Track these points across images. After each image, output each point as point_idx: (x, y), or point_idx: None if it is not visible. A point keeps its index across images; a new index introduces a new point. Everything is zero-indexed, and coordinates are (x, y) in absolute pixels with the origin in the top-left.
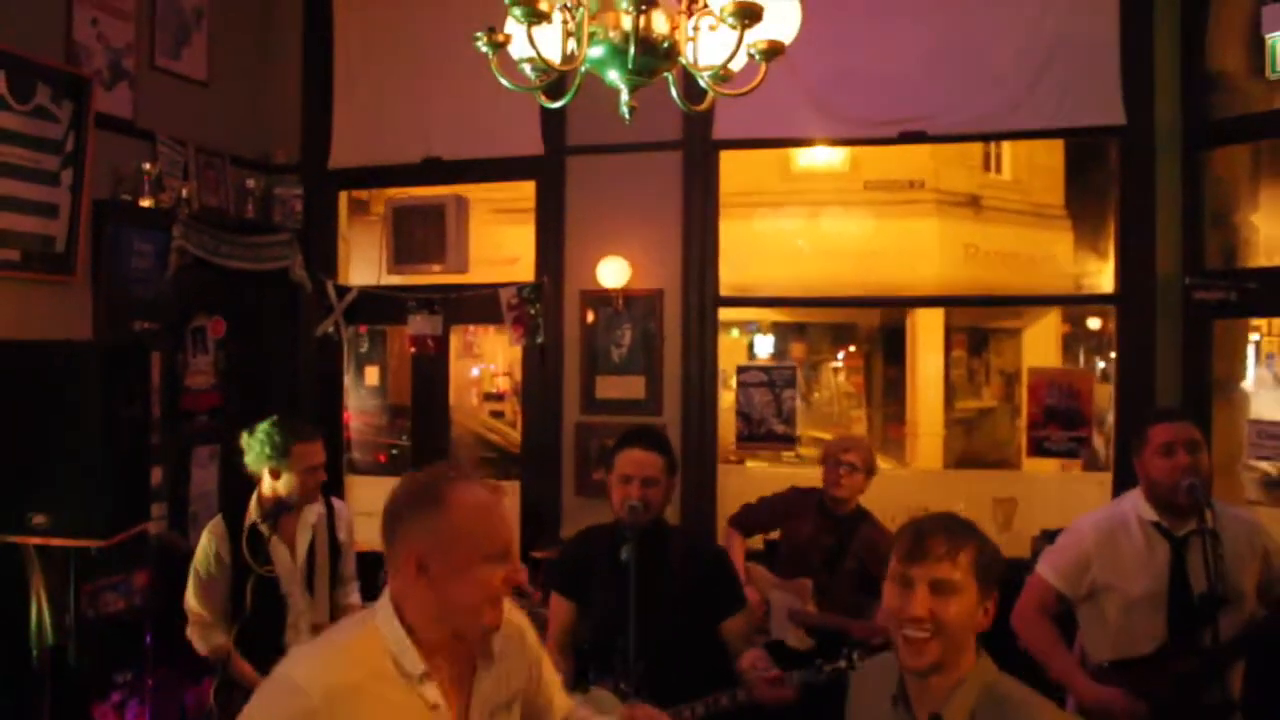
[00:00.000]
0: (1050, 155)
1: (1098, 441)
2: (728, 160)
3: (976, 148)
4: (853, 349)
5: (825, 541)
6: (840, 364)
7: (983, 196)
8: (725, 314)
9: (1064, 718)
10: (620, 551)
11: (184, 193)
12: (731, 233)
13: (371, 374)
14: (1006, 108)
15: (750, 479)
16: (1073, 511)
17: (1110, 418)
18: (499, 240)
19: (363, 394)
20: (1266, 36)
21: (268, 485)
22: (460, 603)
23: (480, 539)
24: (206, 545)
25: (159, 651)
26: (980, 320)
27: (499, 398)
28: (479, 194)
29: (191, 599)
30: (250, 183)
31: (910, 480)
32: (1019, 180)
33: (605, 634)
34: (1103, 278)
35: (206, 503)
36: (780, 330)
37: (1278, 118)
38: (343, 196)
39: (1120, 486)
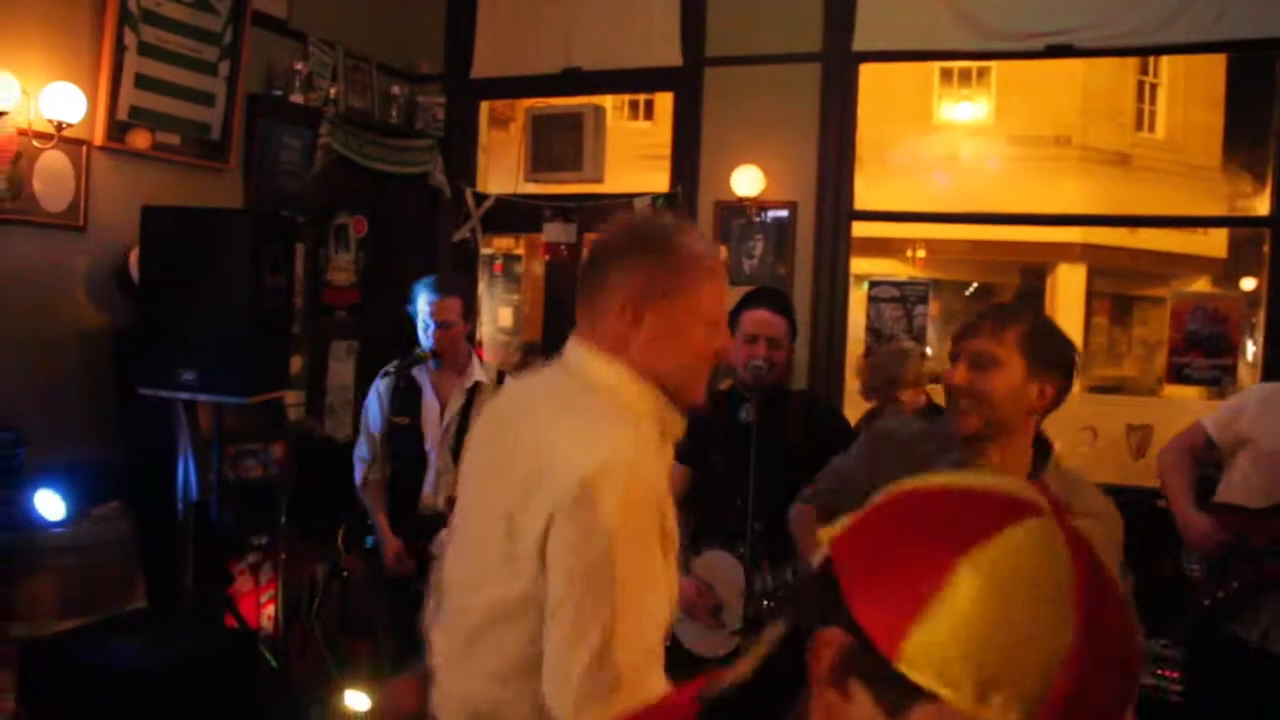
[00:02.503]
0: (1209, 113)
1: (1243, 371)
2: (866, 108)
3: (1130, 103)
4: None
5: None
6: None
7: (1133, 156)
8: (854, 266)
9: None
10: (740, 412)
11: (332, 93)
12: (866, 182)
13: (505, 315)
14: (1162, 19)
15: None
16: None
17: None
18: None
19: (495, 332)
20: None
21: None
22: (671, 363)
23: (703, 299)
24: (375, 383)
25: (290, 528)
26: (1125, 286)
27: None
28: (619, 139)
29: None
30: (395, 89)
31: None
32: (1173, 139)
33: (722, 496)
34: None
35: (343, 395)
36: (908, 292)
37: None
38: (483, 106)
39: None
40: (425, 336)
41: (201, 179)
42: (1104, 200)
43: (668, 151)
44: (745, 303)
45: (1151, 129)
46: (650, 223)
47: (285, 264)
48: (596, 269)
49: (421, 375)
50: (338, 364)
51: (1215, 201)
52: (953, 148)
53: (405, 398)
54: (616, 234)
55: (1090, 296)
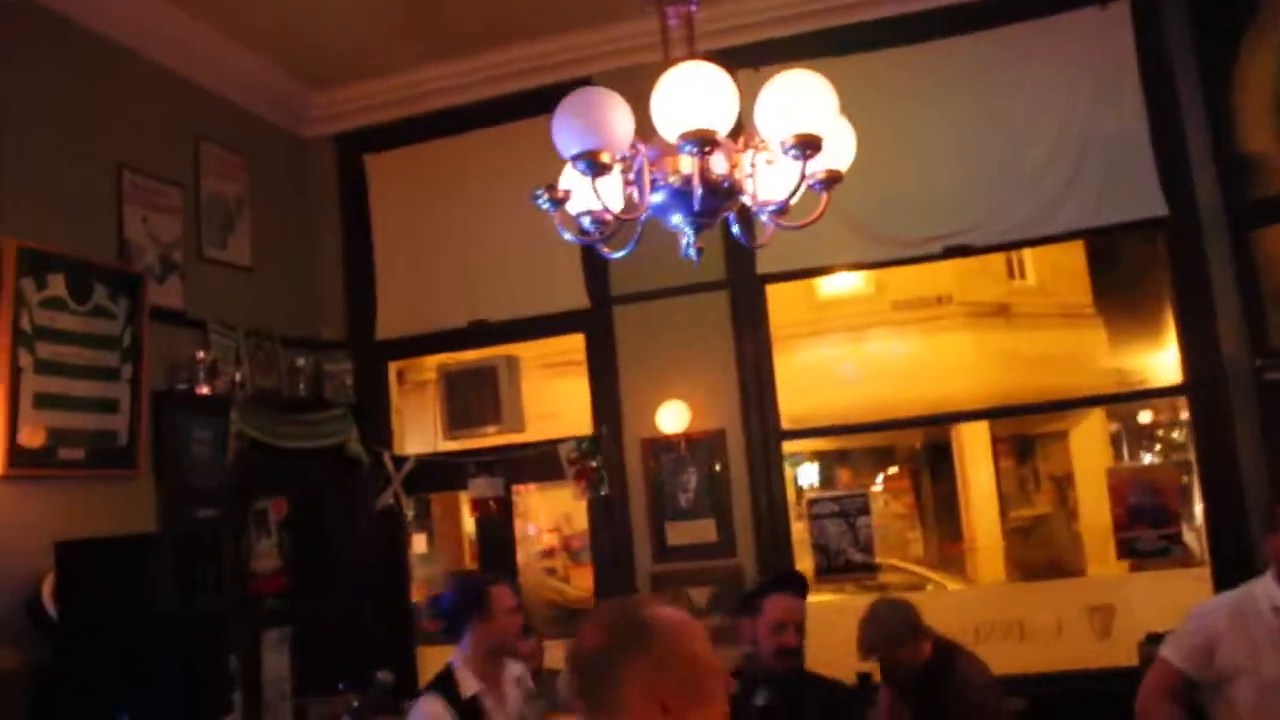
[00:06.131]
0: (1073, 256)
1: (1189, 536)
2: None
3: (1000, 257)
4: (896, 470)
5: (903, 709)
6: (880, 486)
7: (1011, 304)
8: None
9: None
10: (756, 697)
11: (238, 377)
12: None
13: (419, 541)
14: (1046, 212)
15: (835, 614)
16: (1174, 611)
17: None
18: (551, 394)
19: (416, 562)
20: None
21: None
22: None
23: (714, 669)
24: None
25: None
26: (1025, 427)
27: (549, 554)
28: (524, 350)
29: None
30: (300, 361)
31: (991, 596)
32: (1044, 284)
33: None
34: (1158, 374)
35: (279, 688)
36: (824, 458)
37: None
38: (392, 367)
39: (1220, 579)
40: (500, 633)
41: (111, 489)
42: (992, 350)
43: (578, 358)
44: (768, 588)
45: (1023, 276)
46: (632, 613)
47: (213, 581)
48: (593, 677)
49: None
50: (271, 655)
51: (1094, 338)
52: (841, 320)
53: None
54: (601, 635)
55: (994, 441)
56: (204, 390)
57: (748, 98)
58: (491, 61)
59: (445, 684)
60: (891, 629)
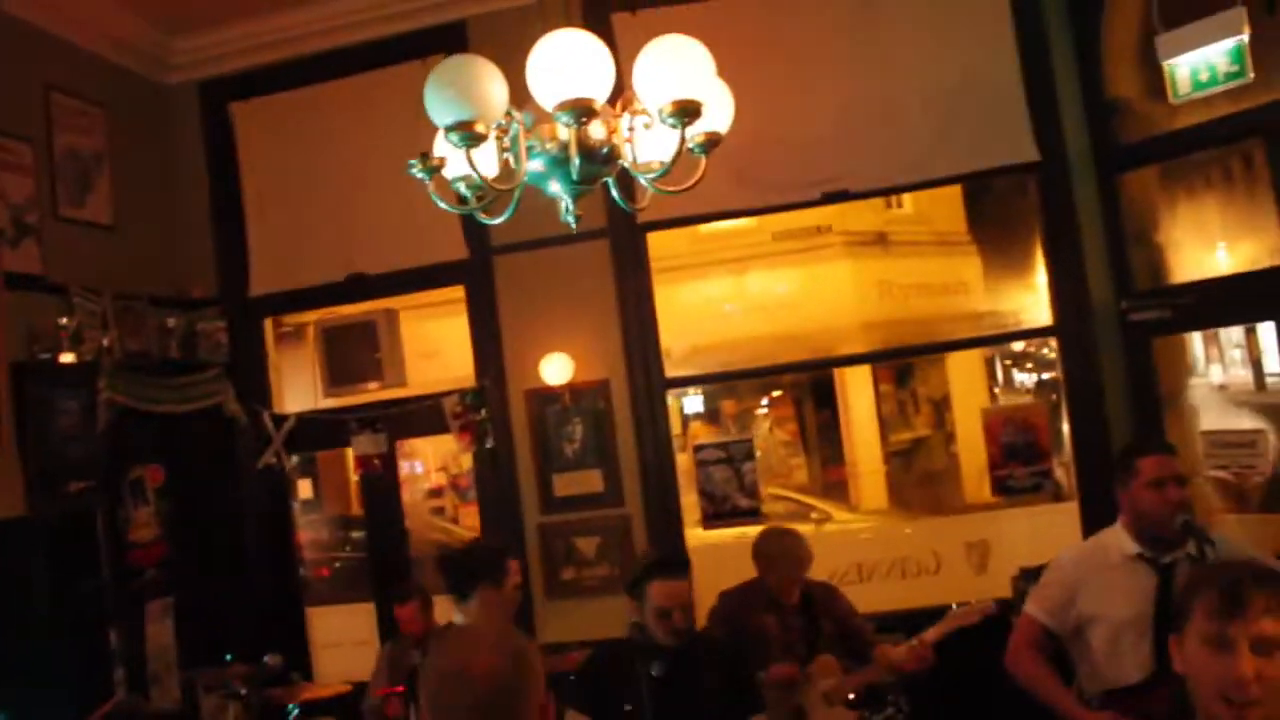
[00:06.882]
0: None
1: (1059, 472)
2: None
3: None
4: (780, 394)
5: (794, 624)
6: (767, 411)
7: (889, 233)
8: None
9: None
10: (650, 667)
11: (105, 342)
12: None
13: (304, 487)
14: (922, 157)
15: (720, 555)
16: (1046, 545)
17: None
18: (433, 335)
19: (295, 509)
20: (1165, 64)
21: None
22: None
23: None
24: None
25: None
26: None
27: (436, 493)
28: (401, 299)
29: None
30: (171, 321)
31: (874, 534)
32: (921, 212)
33: None
34: (1030, 305)
35: (165, 659)
36: (708, 390)
37: (1181, 137)
38: (268, 323)
39: (1087, 514)
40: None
41: None
42: (870, 279)
43: (451, 298)
44: (648, 575)
45: (900, 205)
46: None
47: (91, 563)
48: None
49: None
50: (155, 626)
51: (969, 265)
52: (723, 253)
53: None
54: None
55: (874, 368)
56: (68, 358)
57: (625, 44)
58: (362, 4)
59: None
60: (797, 558)
